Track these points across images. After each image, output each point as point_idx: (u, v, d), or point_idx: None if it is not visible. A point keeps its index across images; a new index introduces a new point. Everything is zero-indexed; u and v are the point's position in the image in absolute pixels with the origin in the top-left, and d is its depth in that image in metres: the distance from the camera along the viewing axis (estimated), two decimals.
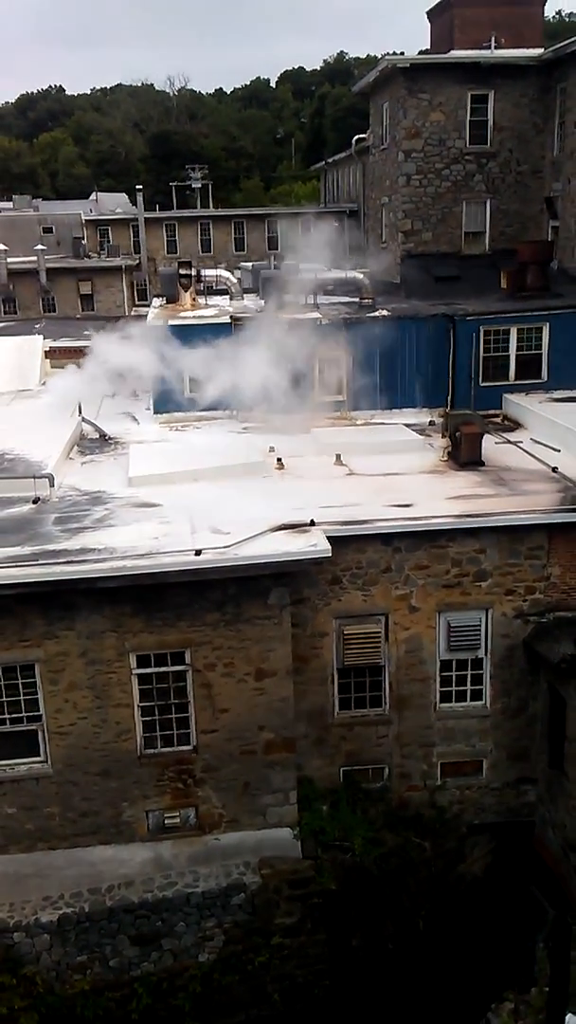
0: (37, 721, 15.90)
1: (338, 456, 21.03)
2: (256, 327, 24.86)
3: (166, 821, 16.49)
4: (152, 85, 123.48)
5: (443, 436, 21.66)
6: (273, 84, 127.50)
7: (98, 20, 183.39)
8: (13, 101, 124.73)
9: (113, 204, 73.97)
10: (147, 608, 15.62)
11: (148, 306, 35.67)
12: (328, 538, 15.97)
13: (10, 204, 71.83)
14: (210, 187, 75.97)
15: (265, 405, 23.97)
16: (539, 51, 31.45)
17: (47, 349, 30.83)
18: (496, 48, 32.17)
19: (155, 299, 31.82)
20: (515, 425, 23.87)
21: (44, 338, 31.41)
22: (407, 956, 17.36)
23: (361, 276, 28.49)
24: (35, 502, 18.15)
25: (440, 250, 32.10)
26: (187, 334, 25.06)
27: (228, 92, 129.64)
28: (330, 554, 15.73)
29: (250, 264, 39.61)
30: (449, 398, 24.93)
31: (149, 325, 26.03)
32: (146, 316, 28.73)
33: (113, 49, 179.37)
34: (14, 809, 16.12)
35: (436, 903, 17.65)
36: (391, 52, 45.85)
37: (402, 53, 37.62)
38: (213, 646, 15.94)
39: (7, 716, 15.82)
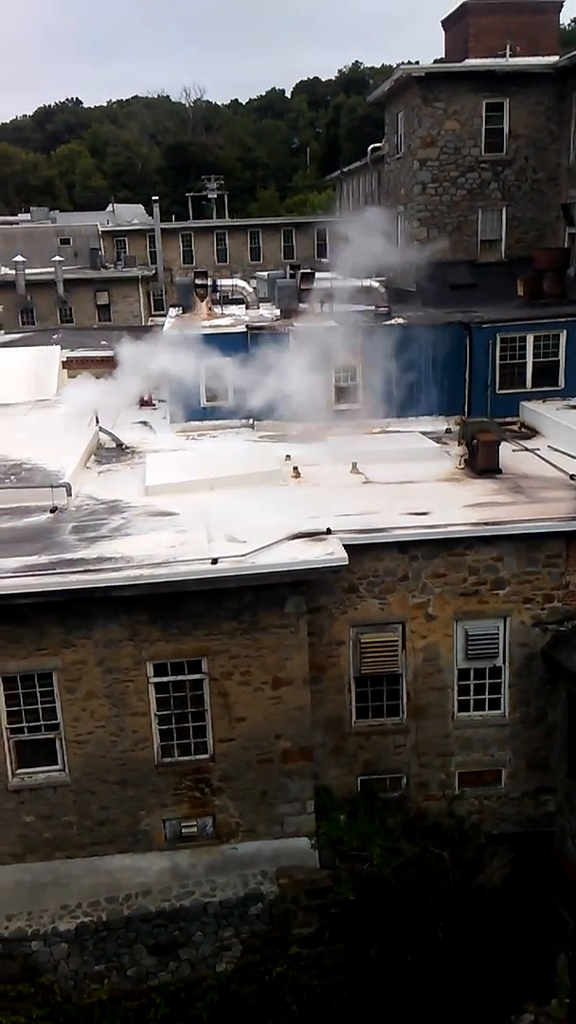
0: (55, 730, 15.93)
1: (354, 464, 21.01)
2: (273, 336, 24.93)
3: (183, 830, 16.47)
4: (168, 97, 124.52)
5: (460, 444, 21.60)
6: (288, 94, 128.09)
7: (114, 33, 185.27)
8: (31, 114, 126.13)
9: (130, 215, 74.40)
10: (164, 617, 15.64)
11: (164, 316, 35.84)
12: (345, 546, 15.94)
13: (28, 216, 72.44)
14: (226, 197, 76.39)
15: (282, 413, 24.03)
16: (554, 59, 31.49)
17: (64, 359, 31.01)
18: (511, 56, 32.22)
19: (171, 309, 31.98)
20: (532, 432, 23.79)
21: (61, 348, 31.59)
22: (426, 967, 17.24)
23: (377, 284, 28.50)
24: (53, 511, 18.23)
25: (456, 258, 32.11)
26: (203, 343, 25.15)
27: (244, 103, 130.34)
28: (347, 562, 15.70)
29: (266, 273, 39.74)
30: (466, 406, 24.88)
31: (165, 335, 26.15)
32: (162, 326, 28.85)
33: (129, 61, 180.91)
34: (32, 818, 16.15)
35: (455, 914, 17.52)
36: (406, 61, 45.97)
37: (417, 62, 37.68)
38: (230, 655, 15.93)
39: (25, 725, 15.85)
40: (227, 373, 25.13)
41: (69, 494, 18.91)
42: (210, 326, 26.50)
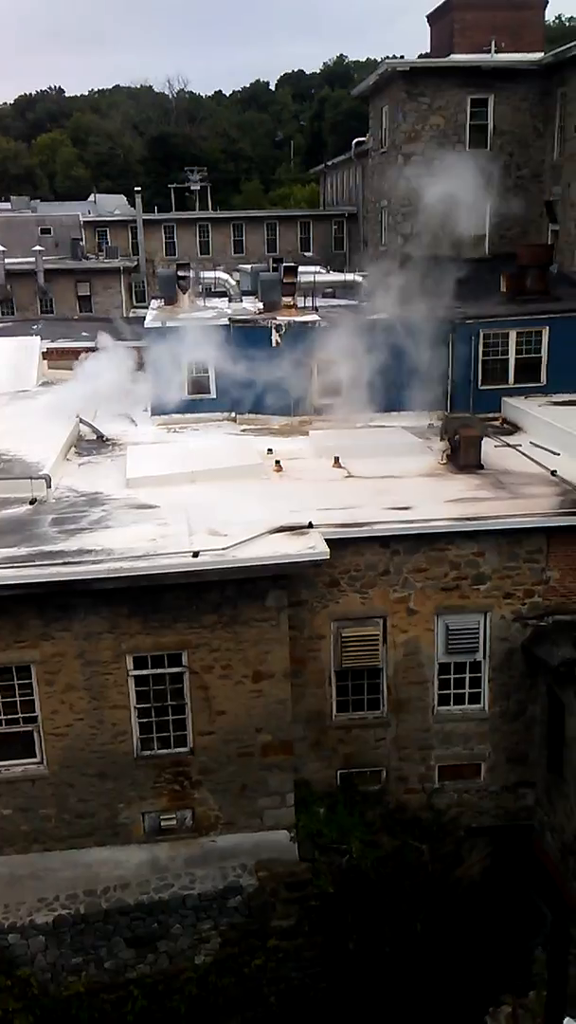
0: (33, 722, 15.84)
1: (336, 458, 21.00)
2: (256, 330, 24.86)
3: (162, 823, 16.44)
4: (151, 87, 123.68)
5: (442, 439, 21.63)
6: (273, 87, 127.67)
7: (97, 22, 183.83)
8: (11, 102, 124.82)
9: (111, 206, 73.89)
10: (144, 610, 15.58)
11: (146, 308, 35.66)
12: (326, 540, 15.93)
13: (8, 205, 71.76)
14: (209, 189, 75.93)
15: (264, 407, 23.98)
16: (539, 55, 31.56)
17: (44, 350, 30.78)
18: (496, 52, 32.27)
19: (153, 301, 31.81)
20: (514, 428, 23.85)
21: (42, 339, 31.36)
22: (404, 959, 17.30)
23: (360, 279, 28.47)
24: (32, 503, 18.10)
25: (439, 253, 32.09)
26: (184, 335, 25.05)
27: (227, 95, 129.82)
28: (328, 556, 15.69)
29: (249, 266, 39.62)
30: (448, 401, 24.91)
31: (147, 327, 26.01)
32: (144, 318, 28.70)
33: (112, 51, 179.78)
34: (9, 810, 16.06)
35: (434, 906, 17.59)
36: (391, 56, 46.01)
37: (402, 57, 37.69)
38: (210, 648, 15.89)
39: (3, 717, 15.75)
40: (209, 366, 25.03)
41: (49, 486, 18.79)
42: (192, 318, 26.38)
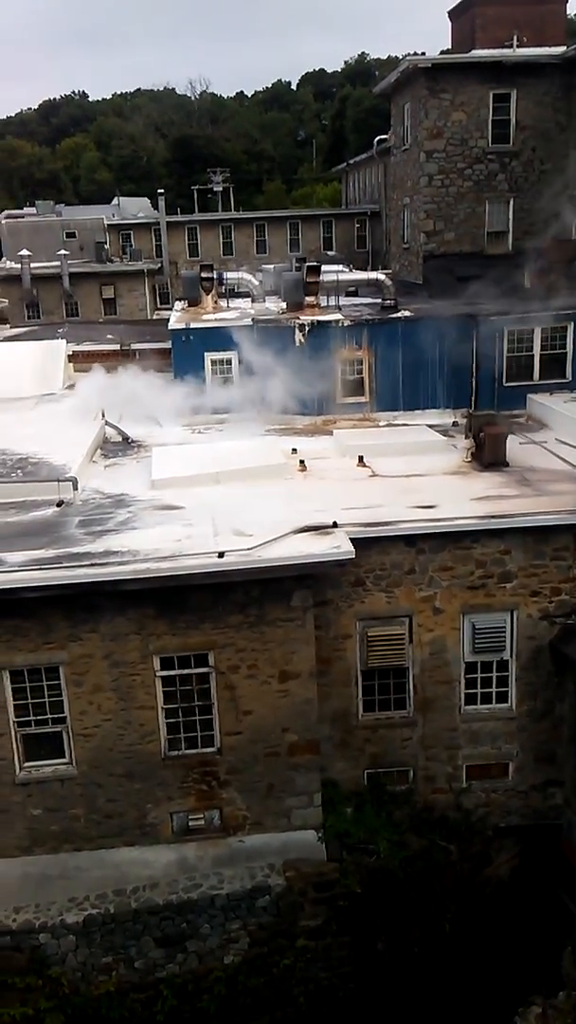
0: (62, 723, 15.96)
1: (361, 458, 20.97)
2: (279, 329, 24.89)
3: (190, 823, 16.50)
4: (173, 89, 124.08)
5: (466, 437, 21.53)
6: (294, 86, 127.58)
7: (119, 25, 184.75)
8: (36, 107, 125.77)
9: (135, 208, 74.22)
10: (170, 610, 15.64)
11: (170, 309, 35.79)
12: (351, 540, 15.91)
13: (33, 210, 72.32)
14: (232, 190, 76.11)
15: (288, 407, 24.00)
16: (562, 49, 31.27)
17: (70, 353, 30.98)
18: (518, 47, 32.01)
19: (177, 302, 31.92)
20: (539, 425, 23.70)
21: (67, 342, 31.56)
22: (433, 960, 17.25)
23: (383, 277, 28.42)
24: (59, 505, 18.24)
25: (463, 250, 32.00)
26: (207, 336, 25.14)
27: (249, 95, 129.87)
28: (353, 556, 15.66)
29: (272, 266, 39.66)
30: (472, 398, 24.81)
31: (171, 328, 26.12)
32: (168, 319, 28.82)
33: (134, 54, 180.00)
34: (39, 811, 16.19)
35: (462, 906, 17.52)
36: (412, 52, 45.83)
37: (423, 53, 37.51)
38: (236, 648, 15.93)
39: (32, 718, 15.89)
40: (233, 367, 25.08)
41: (75, 488, 18.91)
42: (216, 319, 26.45)
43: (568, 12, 37.51)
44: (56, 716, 15.92)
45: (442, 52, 39.42)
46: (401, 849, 17.16)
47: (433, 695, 17.76)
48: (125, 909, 16.29)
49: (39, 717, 15.90)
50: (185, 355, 25.33)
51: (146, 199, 78.95)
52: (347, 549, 15.64)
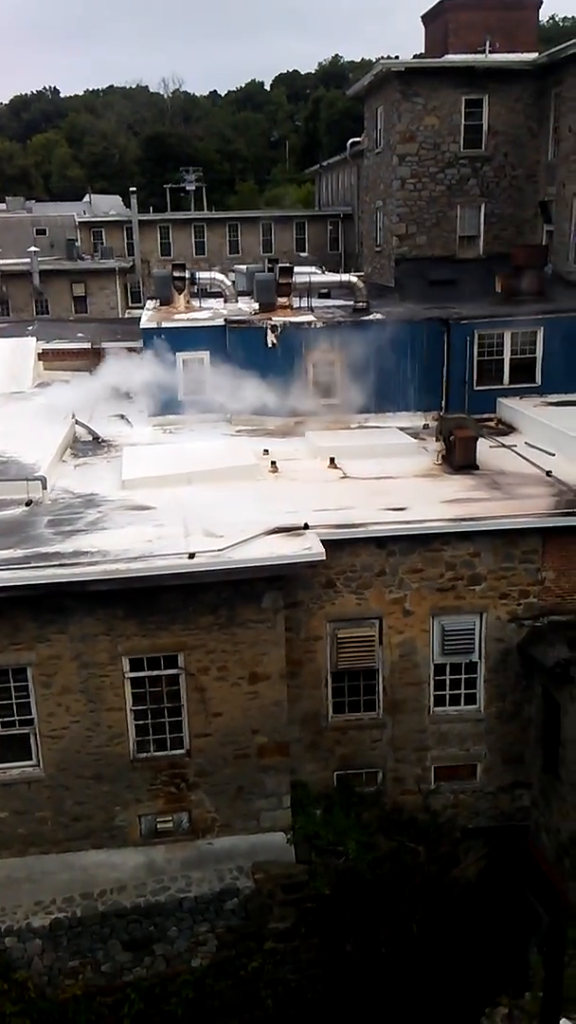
0: (29, 725, 15.82)
1: (332, 459, 21.00)
2: (251, 330, 24.86)
3: (159, 825, 16.42)
4: (146, 87, 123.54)
5: (437, 440, 21.63)
6: (268, 87, 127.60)
7: (91, 21, 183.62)
8: (7, 102, 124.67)
9: (107, 206, 73.81)
10: (140, 611, 15.56)
11: (142, 308, 35.60)
12: (322, 541, 15.93)
13: (3, 206, 71.68)
14: (204, 190, 75.93)
15: (260, 408, 23.96)
16: (534, 55, 31.54)
17: (40, 351, 30.73)
18: (491, 52, 32.24)
19: (149, 301, 31.76)
20: (509, 429, 23.87)
21: (37, 340, 31.30)
22: (401, 961, 17.31)
23: (356, 280, 28.48)
24: (28, 504, 18.08)
25: (434, 254, 32.14)
26: (179, 336, 25.04)
27: (222, 95, 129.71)
28: (324, 557, 15.69)
29: (244, 267, 39.60)
30: (443, 402, 24.93)
31: (143, 327, 26.00)
32: (139, 318, 28.68)
33: (106, 50, 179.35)
34: (6, 813, 16.03)
35: (430, 908, 17.60)
36: (386, 56, 45.86)
37: (397, 57, 37.55)
38: (207, 649, 15.88)
39: None
40: (205, 367, 25.01)
41: (44, 487, 18.76)
42: (188, 319, 26.36)
43: (540, 19, 37.71)
44: (23, 718, 15.78)
45: (415, 56, 39.54)
46: (370, 851, 17.20)
47: (402, 697, 17.82)
48: (92, 912, 16.19)
49: (6, 719, 15.75)
50: (157, 355, 25.18)
51: (118, 197, 78.57)
52: (318, 551, 15.65)
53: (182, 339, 25.08)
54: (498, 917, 17.77)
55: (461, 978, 17.05)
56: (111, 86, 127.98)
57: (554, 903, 17.29)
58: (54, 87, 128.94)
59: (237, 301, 29.63)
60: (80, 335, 33.16)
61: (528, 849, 18.40)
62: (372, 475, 19.98)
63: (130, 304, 57.12)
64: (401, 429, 23.80)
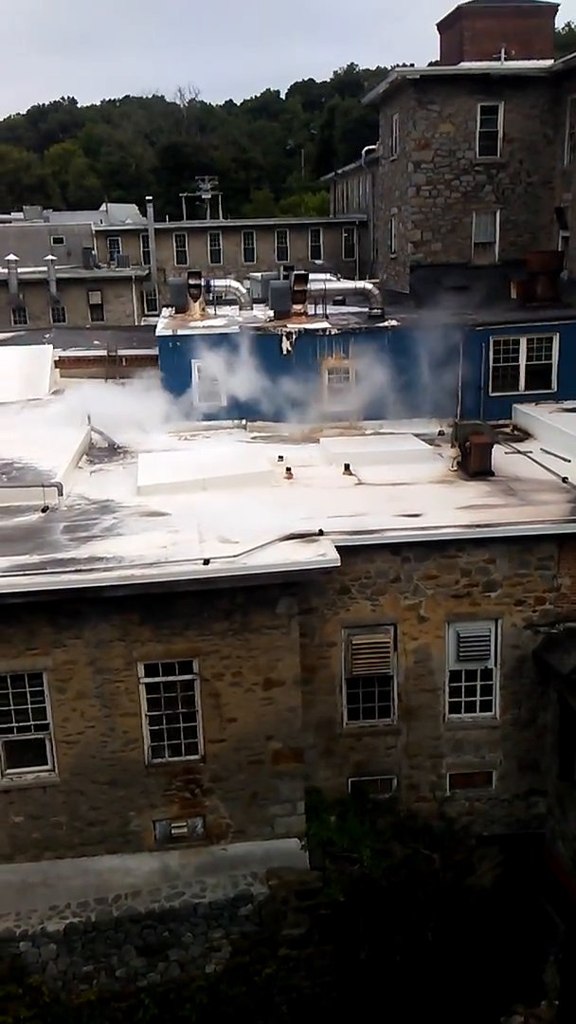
0: (44, 730, 15.87)
1: (347, 466, 21.01)
2: (266, 337, 24.93)
3: (173, 831, 16.42)
4: (162, 97, 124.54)
5: (452, 446, 21.62)
6: (283, 96, 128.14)
7: (108, 32, 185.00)
8: (24, 112, 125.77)
9: (123, 215, 74.28)
10: (155, 617, 15.60)
11: (158, 316, 35.77)
12: (337, 548, 15.93)
13: (21, 215, 72.25)
14: (220, 198, 76.27)
15: (275, 414, 24.03)
16: (549, 62, 31.55)
17: (56, 359, 30.90)
18: (506, 59, 32.30)
19: (165, 309, 31.91)
20: (525, 435, 23.83)
21: (54, 347, 31.49)
22: (415, 969, 17.23)
23: (370, 286, 28.53)
24: (44, 511, 18.18)
25: (450, 260, 32.17)
26: (194, 344, 25.15)
27: (238, 104, 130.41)
28: (339, 564, 15.68)
29: (259, 274, 39.72)
30: (458, 408, 24.91)
31: (159, 335, 26.12)
32: (155, 326, 28.81)
33: (123, 60, 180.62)
34: (21, 818, 16.08)
35: (445, 915, 17.52)
36: (401, 63, 46.03)
37: (412, 64, 37.71)
38: (221, 655, 15.90)
39: (14, 725, 15.78)
40: (220, 374, 25.10)
41: (60, 493, 18.87)
42: (203, 327, 26.46)
43: (556, 26, 37.71)
44: (39, 723, 15.83)
45: (430, 63, 39.65)
46: (384, 858, 17.14)
47: (417, 703, 17.77)
48: (107, 917, 16.21)
49: (22, 724, 15.80)
50: (172, 362, 25.30)
51: (134, 206, 79.09)
52: (332, 557, 15.65)
53: (197, 346, 25.17)
54: (513, 925, 17.68)
55: (476, 986, 16.96)
56: (127, 96, 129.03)
57: (570, 911, 17.18)
58: (71, 97, 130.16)
59: (252, 308, 29.75)
60: (96, 343, 33.33)
61: (544, 857, 18.30)
62: (387, 481, 19.97)
63: (146, 312, 57.40)
64: (416, 435, 23.79)
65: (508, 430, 24.24)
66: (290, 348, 24.77)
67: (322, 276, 31.74)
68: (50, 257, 55.31)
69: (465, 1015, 16.62)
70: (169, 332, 25.94)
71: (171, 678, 15.93)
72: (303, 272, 29.20)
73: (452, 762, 18.11)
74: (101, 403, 25.02)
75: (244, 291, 30.86)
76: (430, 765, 18.08)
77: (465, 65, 32.42)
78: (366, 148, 48.08)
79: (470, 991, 16.92)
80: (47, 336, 35.20)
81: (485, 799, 18.34)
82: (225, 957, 16.51)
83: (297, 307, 26.97)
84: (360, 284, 30.03)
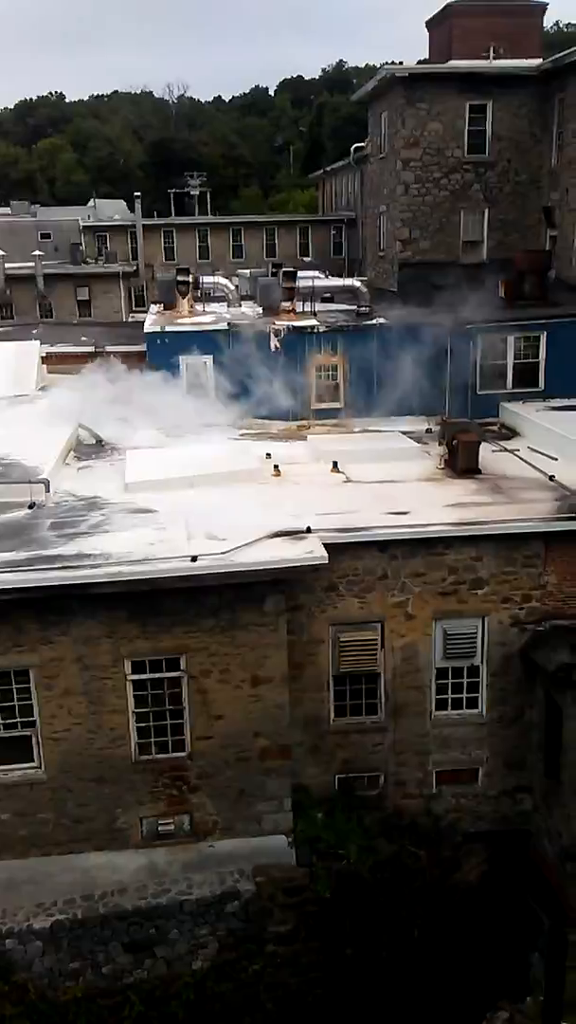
0: (31, 727, 15.83)
1: (335, 463, 21.03)
2: (255, 334, 24.92)
3: (160, 828, 16.42)
4: (151, 92, 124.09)
5: (440, 444, 21.66)
6: (272, 93, 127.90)
7: (97, 27, 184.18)
8: (12, 107, 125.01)
9: (111, 211, 73.99)
10: (142, 614, 15.59)
11: (146, 312, 35.70)
12: (325, 545, 15.95)
13: (8, 210, 71.85)
14: (208, 195, 76.10)
15: (263, 411, 24.03)
16: (538, 61, 31.59)
17: (44, 354, 30.77)
18: (495, 58, 32.31)
19: (153, 305, 31.86)
20: (512, 433, 23.90)
21: (41, 343, 31.36)
22: (401, 965, 17.29)
23: (359, 284, 28.56)
24: (31, 507, 18.11)
25: (438, 259, 32.18)
26: (183, 340, 25.11)
27: (227, 100, 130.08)
28: (326, 561, 15.70)
29: (248, 271, 39.69)
30: (446, 406, 24.96)
31: (146, 332, 26.06)
32: (143, 322, 28.75)
33: (112, 56, 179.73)
34: (7, 815, 16.04)
35: (431, 912, 17.59)
36: (390, 61, 45.96)
37: (401, 62, 37.68)
38: (208, 652, 15.90)
39: (1, 721, 15.74)
40: (208, 370, 25.07)
41: (48, 490, 18.79)
42: (192, 323, 26.42)
43: (544, 25, 37.75)
44: (25, 720, 15.80)
45: (420, 62, 39.59)
46: (371, 854, 17.20)
47: (404, 700, 17.82)
48: (93, 914, 16.20)
49: (8, 720, 15.76)
50: (160, 358, 25.25)
51: (122, 202, 78.72)
52: (320, 554, 15.67)
53: (185, 343, 25.13)
54: (499, 921, 17.76)
55: (462, 982, 17.03)
56: (116, 91, 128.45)
57: (555, 907, 17.26)
58: (59, 92, 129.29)
59: (241, 305, 29.74)
60: (84, 339, 33.22)
61: (529, 854, 18.38)
62: (375, 479, 19.99)
63: (134, 308, 57.19)
64: (404, 433, 23.82)
65: (495, 428, 24.31)
66: (278, 345, 24.77)
67: (310, 273, 31.75)
68: (37, 252, 55.04)
69: (451, 1011, 16.69)
70: (157, 329, 25.90)
71: (158, 675, 15.92)
72: (292, 269, 29.21)
73: (439, 759, 18.16)
74: (88, 399, 24.93)
75: (232, 288, 30.85)
76: (417, 762, 18.13)
77: (454, 63, 32.41)
78: (355, 146, 48.06)
79: (456, 987, 16.99)
80: (34, 332, 35.06)
81: (471, 796, 18.40)
82: (212, 954, 16.53)
83: (286, 304, 26.98)
84: (348, 282, 30.10)
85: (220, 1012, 16.55)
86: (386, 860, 17.36)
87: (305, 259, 56.64)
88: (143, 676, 15.90)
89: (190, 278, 29.40)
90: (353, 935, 17.18)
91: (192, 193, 74.44)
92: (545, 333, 24.85)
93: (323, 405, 24.90)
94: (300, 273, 29.21)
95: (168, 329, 25.75)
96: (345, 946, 17.20)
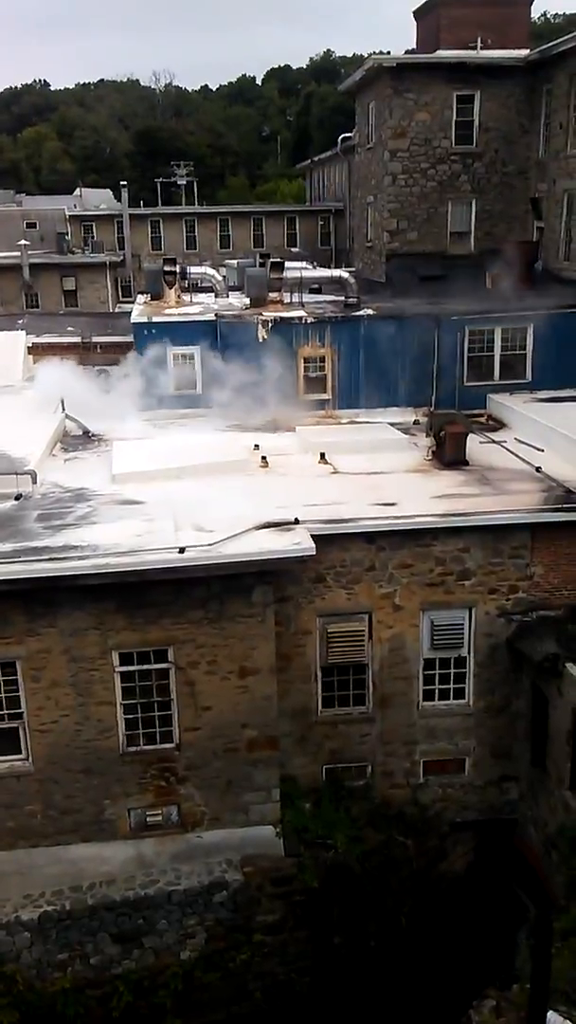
0: (18, 718, 15.80)
1: (323, 454, 21.03)
2: (242, 325, 24.85)
3: (148, 819, 16.44)
4: (137, 81, 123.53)
5: (427, 435, 21.69)
6: (259, 82, 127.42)
7: (82, 14, 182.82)
8: None
9: (97, 200, 73.65)
10: (130, 605, 15.56)
11: (132, 303, 35.54)
12: (312, 536, 15.96)
13: None
14: (195, 184, 75.79)
15: (250, 403, 23.97)
16: (525, 52, 31.58)
17: (30, 345, 30.62)
18: (482, 48, 32.27)
19: (139, 296, 31.70)
20: (499, 425, 23.94)
21: (27, 334, 31.19)
22: (389, 954, 17.39)
23: (347, 275, 28.50)
24: (17, 498, 18.04)
25: (425, 250, 32.21)
26: (170, 331, 25.02)
27: (214, 89, 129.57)
28: (314, 552, 15.72)
29: (235, 261, 39.55)
30: (434, 397, 24.97)
31: (133, 322, 25.94)
32: (130, 312, 28.62)
33: (97, 44, 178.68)
34: None
35: (418, 901, 17.69)
36: (378, 51, 45.93)
37: (388, 52, 37.64)
38: (196, 644, 15.90)
39: None
40: (195, 361, 24.99)
41: (34, 481, 18.72)
42: (179, 314, 26.32)
43: (532, 15, 37.72)
44: (12, 712, 15.77)
45: (407, 51, 39.55)
46: (358, 844, 17.27)
47: (392, 691, 17.88)
48: (81, 905, 16.21)
49: None
50: (148, 348, 25.15)
51: (108, 191, 78.39)
52: (308, 546, 15.68)
53: (173, 334, 25.04)
54: (486, 910, 17.86)
55: (449, 971, 17.12)
56: (102, 80, 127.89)
57: (541, 895, 17.37)
58: (44, 80, 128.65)
59: (228, 296, 29.60)
60: (70, 329, 33.10)
61: (516, 842, 18.50)
62: (362, 470, 20.01)
63: (120, 298, 56.99)
64: (392, 424, 23.85)
65: (483, 420, 24.32)
66: (266, 336, 24.70)
67: (298, 264, 31.67)
68: (23, 242, 54.74)
69: (438, 999, 16.77)
70: (144, 319, 25.77)
71: (146, 667, 15.91)
72: (279, 260, 29.10)
73: (426, 749, 18.25)
74: (75, 390, 24.83)
75: (220, 278, 30.71)
76: (404, 752, 18.21)
77: (441, 53, 32.36)
78: (342, 136, 47.94)
79: (443, 975, 17.08)
80: (20, 322, 34.88)
81: (458, 785, 18.50)
82: (200, 944, 16.58)
83: (273, 295, 26.90)
84: (336, 272, 29.99)
85: (208, 1002, 16.61)
86: (373, 849, 17.43)
87: (293, 249, 56.51)
88: (131, 668, 15.88)
89: (177, 268, 29.25)
90: (341, 924, 17.26)
91: (179, 183, 74.12)
92: (532, 325, 24.88)
93: (311, 396, 24.85)
94: (288, 264, 29.12)
95: (155, 320, 25.63)
96: (333, 935, 17.28)
